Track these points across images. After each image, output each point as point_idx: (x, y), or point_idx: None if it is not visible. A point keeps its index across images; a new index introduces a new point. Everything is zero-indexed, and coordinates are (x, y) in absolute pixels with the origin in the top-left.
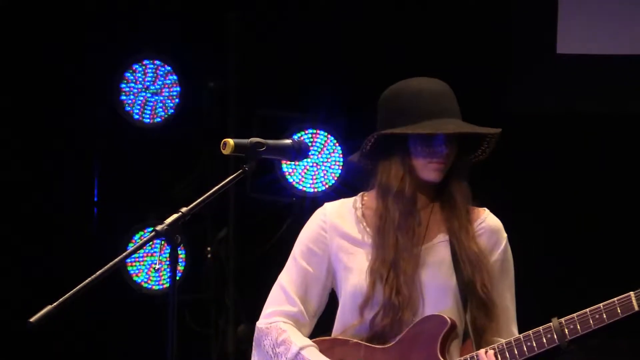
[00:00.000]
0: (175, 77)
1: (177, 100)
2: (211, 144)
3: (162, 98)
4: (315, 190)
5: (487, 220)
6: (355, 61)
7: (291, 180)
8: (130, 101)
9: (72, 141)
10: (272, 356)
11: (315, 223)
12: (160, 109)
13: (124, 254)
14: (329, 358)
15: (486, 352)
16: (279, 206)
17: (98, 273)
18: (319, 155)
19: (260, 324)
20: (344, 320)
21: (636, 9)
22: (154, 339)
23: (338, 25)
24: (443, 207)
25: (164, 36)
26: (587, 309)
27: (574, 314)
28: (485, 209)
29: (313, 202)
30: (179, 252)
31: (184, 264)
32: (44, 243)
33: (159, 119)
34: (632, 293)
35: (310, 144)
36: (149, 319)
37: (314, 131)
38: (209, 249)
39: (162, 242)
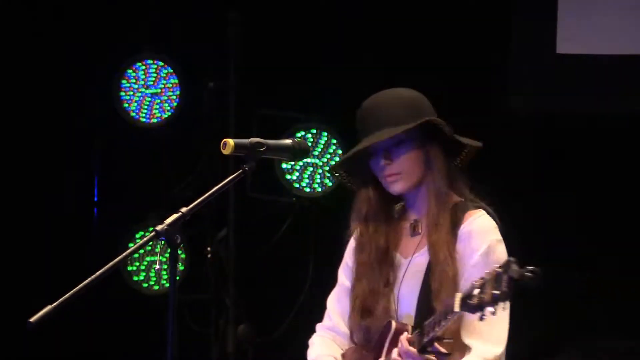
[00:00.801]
0: (175, 78)
1: (177, 100)
2: (211, 144)
3: (162, 98)
4: (315, 190)
5: (472, 224)
6: (356, 61)
7: (291, 180)
8: (130, 101)
9: (72, 141)
10: None
11: (352, 235)
12: (160, 109)
13: (124, 254)
14: None
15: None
16: (279, 206)
17: (98, 273)
18: (319, 156)
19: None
20: None
21: (636, 9)
22: (154, 339)
23: (338, 25)
24: (430, 208)
25: (164, 36)
26: (436, 313)
27: (432, 317)
28: (479, 210)
29: (313, 202)
30: (179, 252)
31: (184, 264)
32: (44, 243)
33: (158, 119)
34: (458, 294)
35: (310, 144)
36: (149, 319)
37: (314, 131)
38: (209, 249)
39: (162, 242)
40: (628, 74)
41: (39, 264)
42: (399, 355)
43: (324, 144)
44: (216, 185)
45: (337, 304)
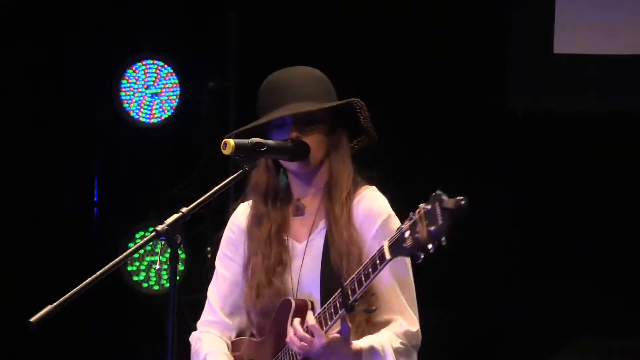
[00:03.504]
0: (175, 77)
1: (177, 100)
2: (211, 144)
3: (162, 98)
4: None
5: (365, 199)
6: (355, 61)
7: None
8: (130, 101)
9: (72, 141)
10: None
11: (227, 227)
12: (160, 109)
13: (124, 253)
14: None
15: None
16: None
17: (98, 273)
18: None
19: (191, 336)
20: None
21: (634, 9)
22: (154, 339)
23: (338, 25)
24: (328, 191)
25: (164, 36)
26: (360, 267)
27: (354, 274)
28: (370, 186)
29: None
30: (179, 252)
31: (184, 264)
32: (44, 243)
33: (159, 119)
34: (385, 242)
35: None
36: (149, 319)
37: None
38: (209, 249)
39: (163, 242)
40: (626, 74)
41: (39, 263)
42: (307, 334)
43: None
44: (216, 185)
45: (218, 295)
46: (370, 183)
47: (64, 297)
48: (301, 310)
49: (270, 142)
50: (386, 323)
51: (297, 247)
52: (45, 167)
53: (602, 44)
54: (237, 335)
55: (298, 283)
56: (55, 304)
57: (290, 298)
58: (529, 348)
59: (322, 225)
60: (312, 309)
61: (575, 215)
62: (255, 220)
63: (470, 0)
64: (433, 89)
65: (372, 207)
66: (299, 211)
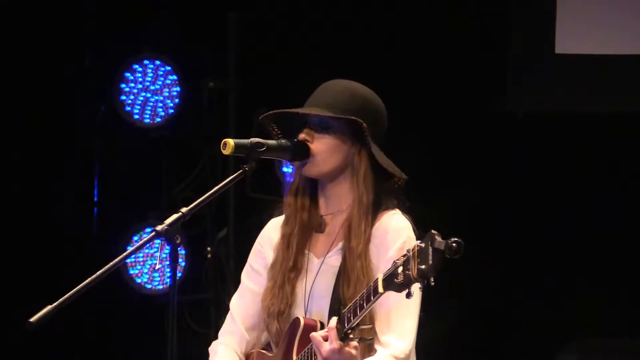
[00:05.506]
0: (175, 77)
1: (177, 100)
2: (211, 144)
3: (162, 98)
4: None
5: (387, 221)
6: (355, 61)
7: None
8: (130, 101)
9: (72, 141)
10: None
11: (257, 239)
12: (160, 109)
13: (124, 254)
14: None
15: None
16: (279, 206)
17: (98, 273)
18: None
19: (210, 346)
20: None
21: (635, 9)
22: (154, 339)
23: (338, 25)
24: (350, 217)
25: (164, 36)
26: (357, 296)
27: (351, 303)
28: (394, 209)
29: None
30: (179, 252)
31: (184, 264)
32: (44, 243)
33: (159, 119)
34: (380, 275)
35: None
36: (149, 319)
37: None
38: (209, 249)
39: (162, 242)
40: (627, 74)
41: (39, 264)
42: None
43: None
44: (216, 185)
45: (240, 306)
46: (395, 207)
47: (64, 297)
48: (310, 330)
49: (270, 142)
50: (382, 342)
51: (314, 261)
52: (45, 167)
53: (604, 44)
54: (253, 349)
55: (310, 296)
56: (55, 304)
57: (300, 317)
58: (532, 348)
59: (340, 246)
60: (322, 329)
61: (575, 215)
62: (285, 219)
63: (470, 0)
64: (433, 89)
65: (391, 228)
66: (321, 228)
